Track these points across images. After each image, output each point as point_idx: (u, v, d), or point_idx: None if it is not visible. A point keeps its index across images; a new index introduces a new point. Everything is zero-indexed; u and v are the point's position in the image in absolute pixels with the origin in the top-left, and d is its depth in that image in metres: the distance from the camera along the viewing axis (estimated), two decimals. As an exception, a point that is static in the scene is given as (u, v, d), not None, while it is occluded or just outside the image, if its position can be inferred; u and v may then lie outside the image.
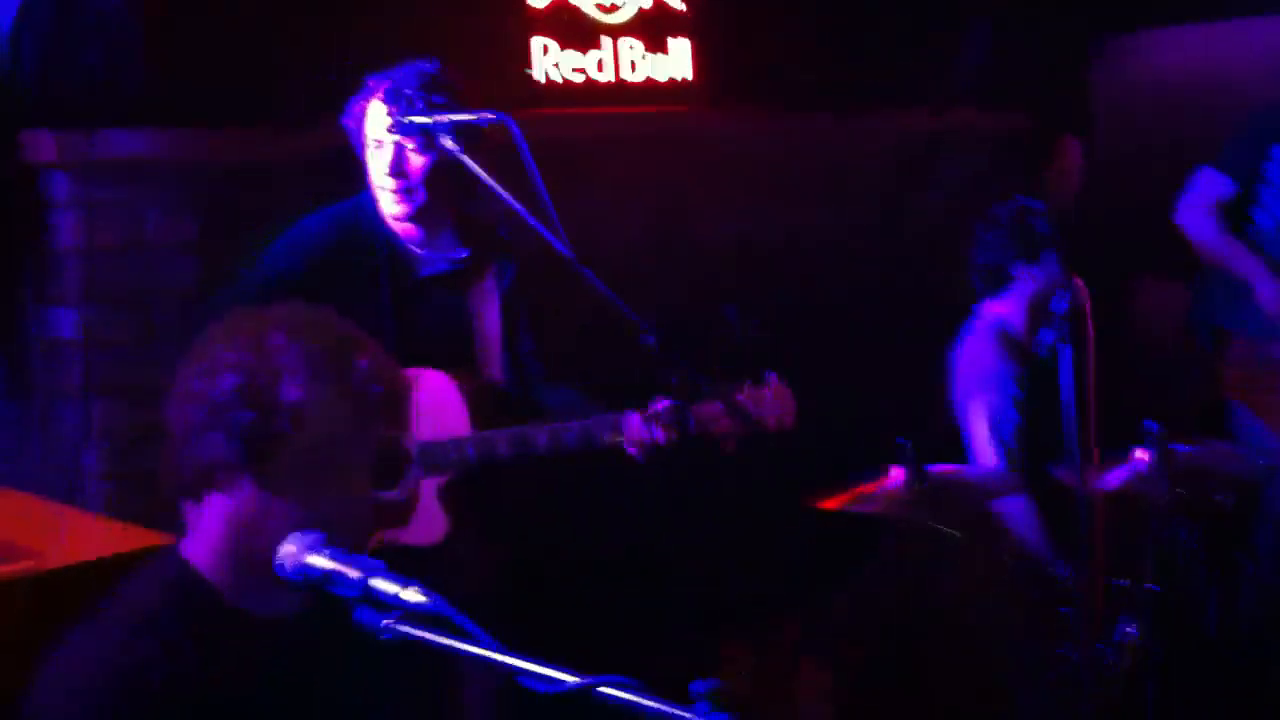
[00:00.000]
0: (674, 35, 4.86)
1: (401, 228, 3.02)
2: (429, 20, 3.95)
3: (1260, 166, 4.29)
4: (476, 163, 2.89)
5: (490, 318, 3.14)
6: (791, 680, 3.93)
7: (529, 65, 4.52)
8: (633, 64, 4.77)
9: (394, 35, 3.21)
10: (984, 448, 3.58)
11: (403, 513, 2.96)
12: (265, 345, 1.80)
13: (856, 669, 3.73)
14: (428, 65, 2.96)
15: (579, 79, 4.63)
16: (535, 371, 3.23)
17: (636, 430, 2.98)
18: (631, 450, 3.00)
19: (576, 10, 4.64)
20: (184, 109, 3.67)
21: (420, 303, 3.04)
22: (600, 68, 4.69)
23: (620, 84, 4.73)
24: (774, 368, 3.13)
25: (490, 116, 2.92)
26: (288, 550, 1.73)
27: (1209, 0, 5.72)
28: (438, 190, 2.97)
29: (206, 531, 1.83)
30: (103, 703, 1.71)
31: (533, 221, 2.84)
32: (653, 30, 4.81)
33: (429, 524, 2.98)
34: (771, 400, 3.06)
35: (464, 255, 3.07)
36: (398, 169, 2.94)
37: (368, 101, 2.97)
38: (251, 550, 1.80)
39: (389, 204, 2.98)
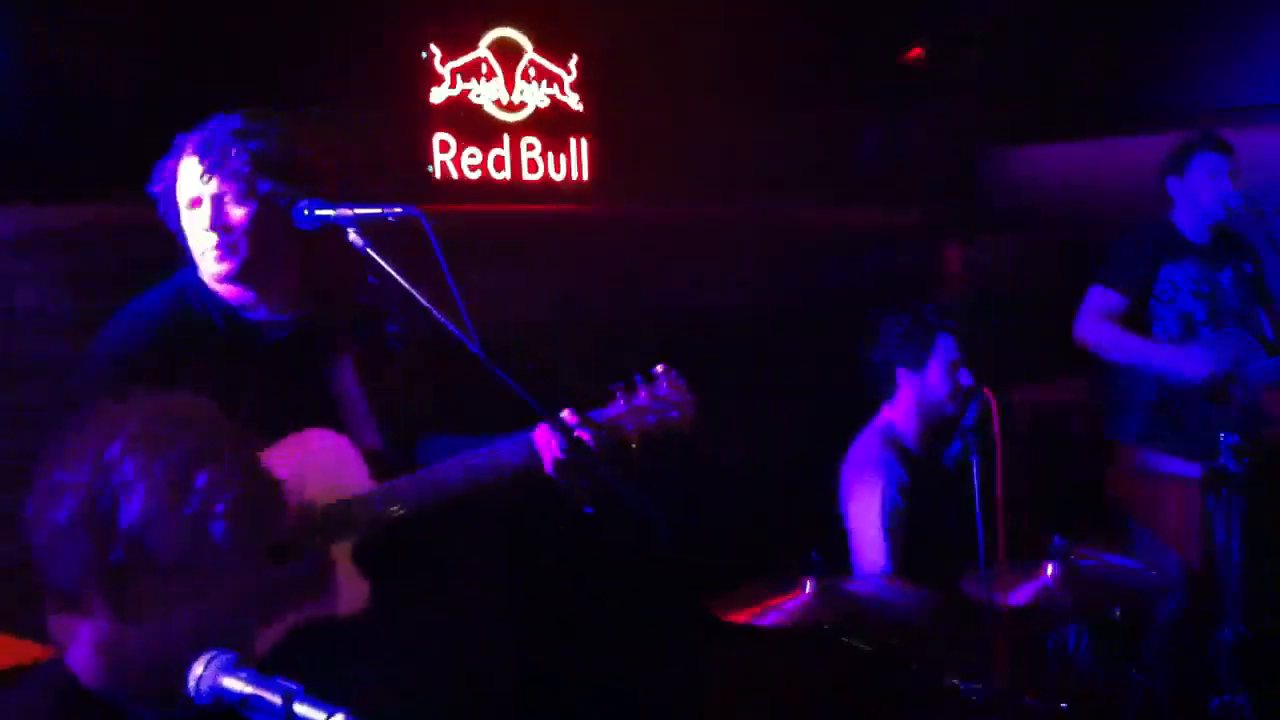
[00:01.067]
0: (573, 135, 4.85)
1: (229, 290, 2.82)
2: (327, 102, 3.87)
3: (1150, 285, 4.43)
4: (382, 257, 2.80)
5: (348, 380, 3.00)
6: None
7: (429, 161, 4.46)
8: (531, 162, 4.74)
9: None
10: (864, 549, 3.55)
11: (317, 585, 2.76)
12: (102, 461, 1.70)
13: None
14: (235, 118, 2.81)
15: (476, 175, 4.59)
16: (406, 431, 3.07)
17: (546, 437, 2.82)
18: (549, 465, 2.83)
19: (477, 108, 4.61)
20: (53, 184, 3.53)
21: (274, 371, 2.85)
22: (499, 165, 4.65)
23: (517, 182, 4.70)
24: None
25: (398, 210, 2.82)
26: (197, 673, 1.60)
27: (1087, 121, 5.97)
28: (263, 242, 2.78)
29: (83, 648, 1.73)
30: None
31: (441, 319, 2.75)
32: (551, 129, 4.80)
33: (350, 591, 2.78)
34: (668, 390, 2.96)
35: (306, 314, 2.90)
36: (218, 222, 2.75)
37: (178, 160, 2.80)
38: (127, 671, 1.71)
39: (210, 264, 2.78)
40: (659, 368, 2.98)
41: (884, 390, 3.76)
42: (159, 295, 2.84)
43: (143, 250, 3.41)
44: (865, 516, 3.59)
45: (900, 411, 3.75)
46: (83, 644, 1.73)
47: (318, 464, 2.78)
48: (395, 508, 2.81)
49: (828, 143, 5.69)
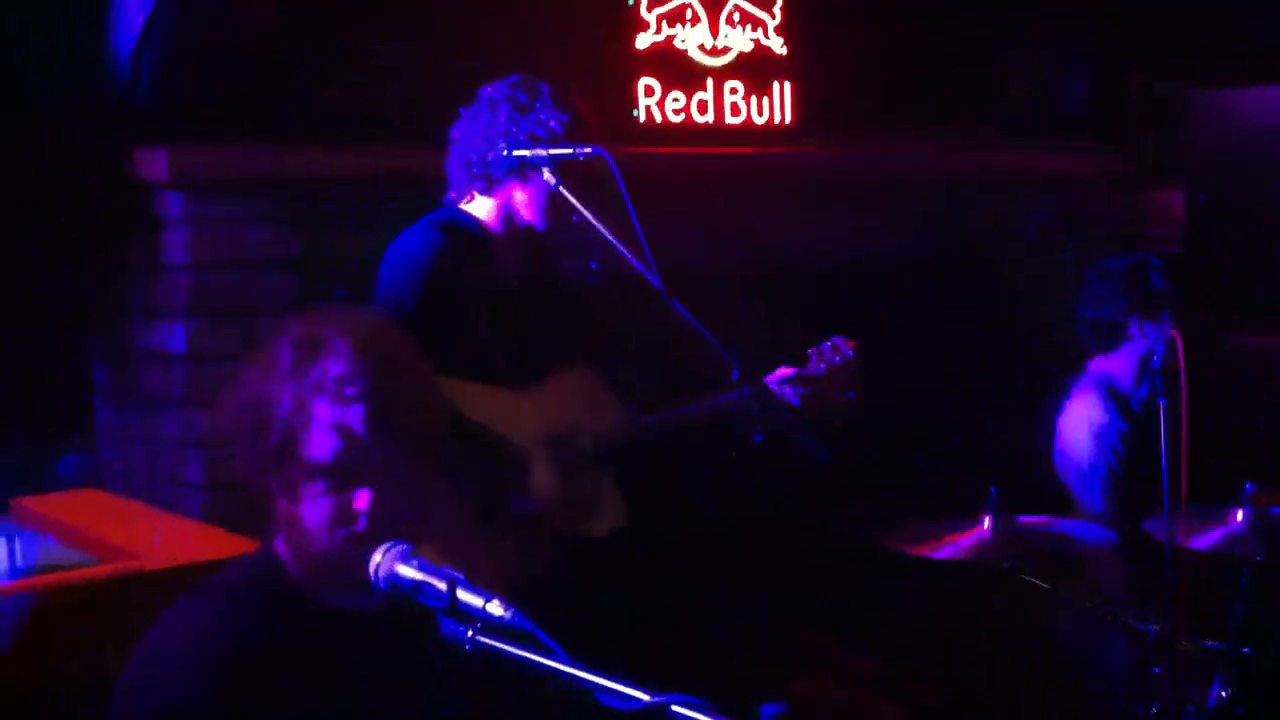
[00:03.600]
0: (776, 79, 4.90)
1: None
2: (535, 50, 4.02)
3: None
4: (574, 195, 2.95)
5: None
6: (868, 716, 3.89)
7: (634, 105, 4.58)
8: (734, 106, 4.81)
9: (499, 67, 3.28)
10: (1085, 502, 3.55)
11: (586, 506, 3.06)
12: (331, 375, 1.82)
13: (935, 713, 3.68)
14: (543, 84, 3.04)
15: (679, 119, 4.69)
16: None
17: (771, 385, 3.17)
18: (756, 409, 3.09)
19: (681, 53, 4.70)
20: (291, 127, 3.77)
21: (529, 303, 3.12)
22: (702, 109, 4.74)
23: (721, 125, 4.77)
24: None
25: (588, 150, 2.97)
26: (375, 559, 1.78)
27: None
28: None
29: (292, 537, 1.90)
30: (183, 665, 1.77)
31: (627, 254, 2.88)
32: (754, 73, 4.86)
33: (613, 510, 3.12)
34: (841, 364, 3.29)
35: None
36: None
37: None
38: (314, 552, 1.86)
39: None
40: (837, 342, 3.30)
41: (1106, 342, 3.72)
42: (431, 219, 3.06)
43: (368, 197, 3.69)
44: (1088, 466, 3.59)
45: (1120, 362, 3.72)
46: (280, 530, 1.91)
47: (588, 398, 3.08)
48: (650, 437, 3.12)
49: (1031, 84, 5.57)
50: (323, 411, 1.81)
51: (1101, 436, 3.61)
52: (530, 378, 3.03)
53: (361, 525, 1.82)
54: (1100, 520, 3.49)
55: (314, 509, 1.84)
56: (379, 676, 1.93)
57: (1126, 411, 3.66)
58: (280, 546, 1.92)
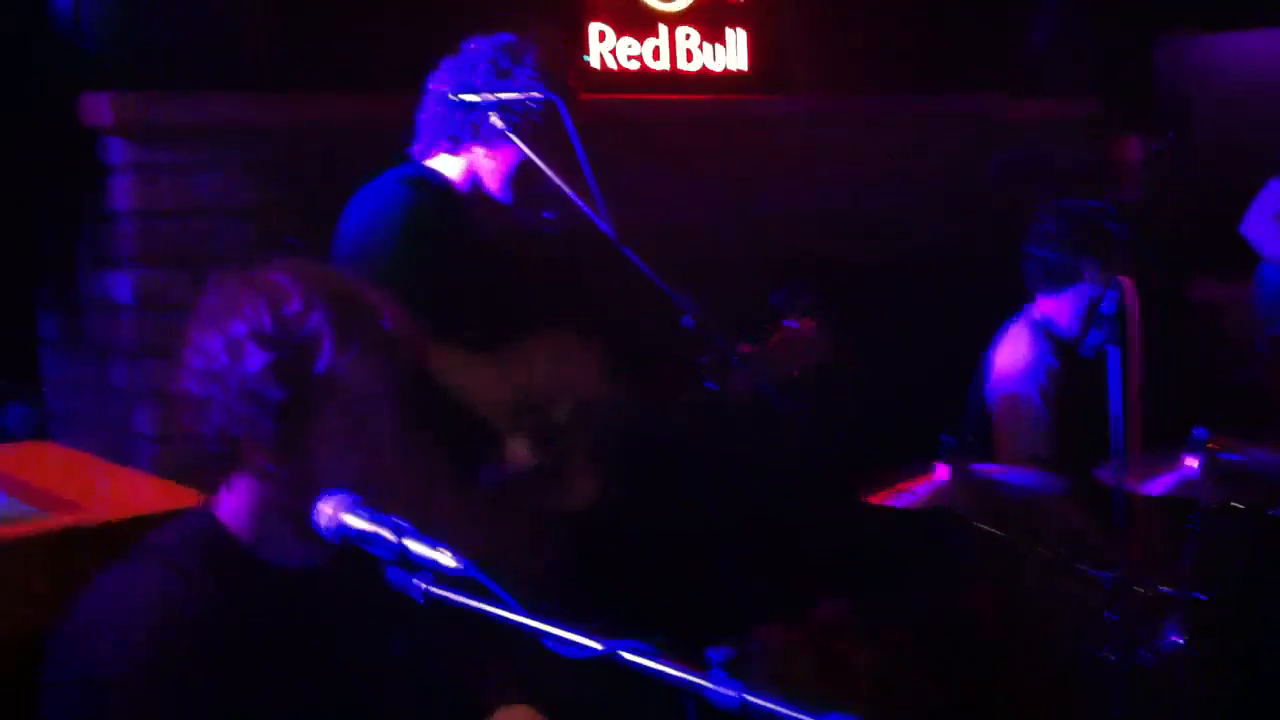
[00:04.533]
0: (731, 26, 4.86)
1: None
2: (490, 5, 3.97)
3: None
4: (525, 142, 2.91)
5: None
6: (832, 656, 3.92)
7: (586, 51, 4.54)
8: (688, 53, 4.77)
9: (454, 16, 3.23)
10: (1015, 444, 3.55)
11: (554, 478, 3.00)
12: (284, 314, 1.79)
13: (899, 652, 3.71)
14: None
15: (634, 66, 4.65)
16: None
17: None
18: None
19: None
20: (244, 73, 3.71)
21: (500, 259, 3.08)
22: (656, 55, 4.70)
23: (675, 72, 4.74)
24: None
25: (537, 95, 2.92)
26: (323, 509, 1.76)
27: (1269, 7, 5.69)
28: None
29: (237, 492, 1.86)
30: (119, 634, 1.74)
31: (577, 200, 2.85)
32: (709, 20, 4.82)
33: (584, 487, 3.05)
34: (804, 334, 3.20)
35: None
36: None
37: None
38: (281, 512, 1.83)
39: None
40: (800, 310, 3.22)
41: (1053, 283, 3.71)
42: (403, 175, 2.99)
43: (331, 146, 3.63)
44: (1016, 403, 3.60)
45: (1064, 304, 3.71)
46: (236, 491, 1.86)
47: (564, 364, 3.02)
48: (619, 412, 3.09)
49: (997, 30, 5.56)
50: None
51: (1030, 375, 3.60)
52: (504, 340, 2.99)
53: None
54: (1029, 462, 3.50)
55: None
56: (324, 637, 1.90)
57: (1064, 354, 3.66)
58: (221, 507, 1.88)
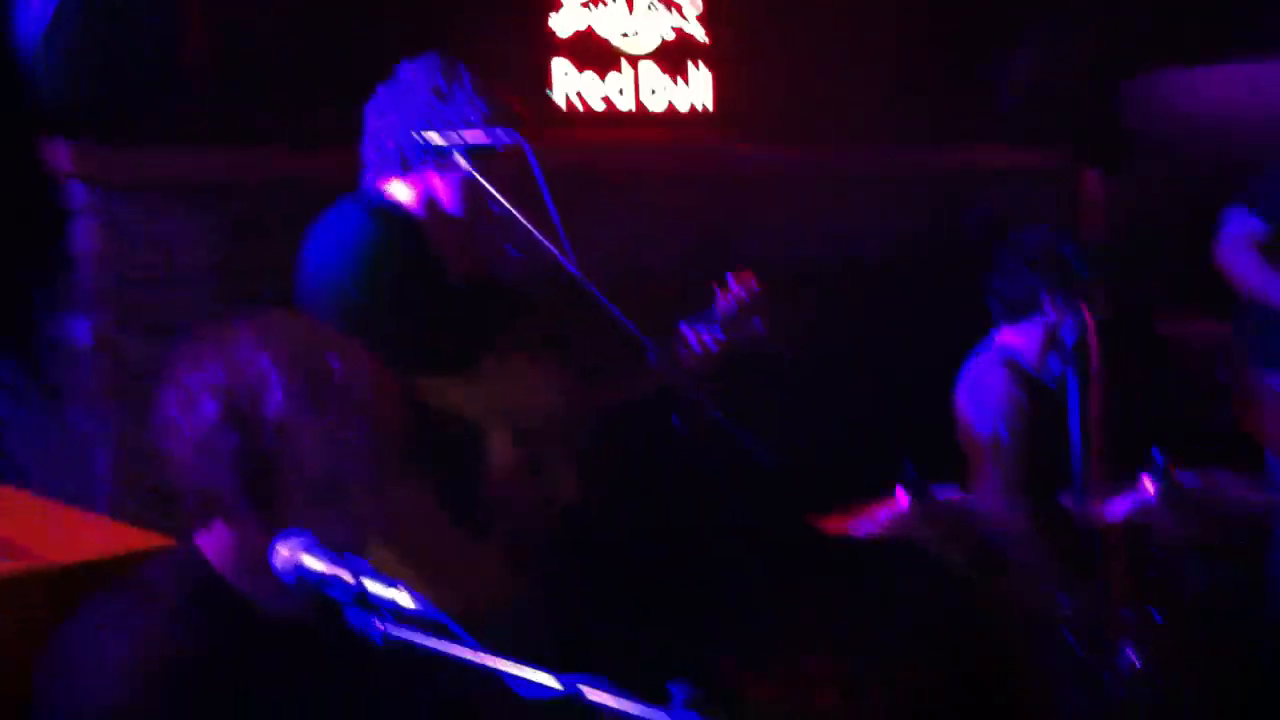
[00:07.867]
0: (695, 64, 4.90)
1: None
2: (453, 41, 3.99)
3: None
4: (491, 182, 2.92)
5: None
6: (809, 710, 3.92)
7: (549, 87, 4.56)
8: (654, 92, 4.80)
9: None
10: (985, 475, 3.58)
11: (537, 472, 3.01)
12: (235, 361, 1.80)
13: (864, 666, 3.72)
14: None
15: (599, 105, 4.68)
16: None
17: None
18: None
19: (599, 37, 4.68)
20: (210, 127, 3.72)
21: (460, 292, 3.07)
22: (622, 94, 4.73)
23: (641, 111, 4.76)
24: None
25: (505, 138, 2.93)
26: (280, 551, 1.74)
27: (1234, 42, 5.76)
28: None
29: (217, 533, 1.86)
30: (118, 674, 1.72)
31: (543, 241, 2.86)
32: (674, 59, 4.86)
33: (565, 483, 3.08)
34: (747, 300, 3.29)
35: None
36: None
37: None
38: (254, 555, 1.81)
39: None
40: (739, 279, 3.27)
41: (1015, 315, 3.76)
42: (361, 203, 2.96)
43: (288, 200, 3.63)
44: (985, 437, 3.62)
45: (1029, 336, 3.75)
46: (217, 538, 1.85)
47: (527, 381, 3.02)
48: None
49: (959, 78, 5.61)
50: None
51: (996, 406, 3.64)
52: (470, 364, 2.98)
53: None
54: (996, 489, 3.52)
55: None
56: (314, 680, 1.88)
57: (1028, 384, 3.70)
58: (206, 544, 1.87)
